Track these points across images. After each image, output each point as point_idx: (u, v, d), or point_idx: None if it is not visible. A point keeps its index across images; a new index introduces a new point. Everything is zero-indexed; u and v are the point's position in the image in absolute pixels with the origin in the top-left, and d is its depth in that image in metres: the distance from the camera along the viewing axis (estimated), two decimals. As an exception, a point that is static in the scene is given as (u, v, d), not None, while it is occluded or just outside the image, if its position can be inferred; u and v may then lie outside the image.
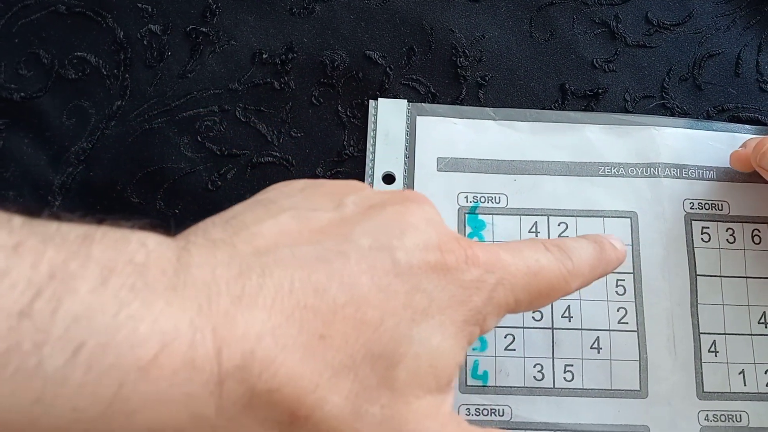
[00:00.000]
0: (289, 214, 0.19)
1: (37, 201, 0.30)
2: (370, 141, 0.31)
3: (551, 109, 0.32)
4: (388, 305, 0.18)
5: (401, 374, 0.18)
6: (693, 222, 0.30)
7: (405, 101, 0.31)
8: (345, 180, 0.23)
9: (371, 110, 0.31)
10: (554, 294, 0.22)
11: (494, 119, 0.31)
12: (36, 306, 0.15)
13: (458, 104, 0.32)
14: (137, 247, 0.17)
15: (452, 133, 0.31)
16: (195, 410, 0.16)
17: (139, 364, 0.15)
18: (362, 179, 0.31)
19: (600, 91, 0.32)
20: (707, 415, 0.27)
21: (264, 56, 0.32)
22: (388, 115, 0.31)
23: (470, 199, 0.30)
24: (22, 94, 0.31)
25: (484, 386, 0.28)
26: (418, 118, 0.31)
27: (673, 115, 0.32)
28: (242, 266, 0.17)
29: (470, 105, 0.32)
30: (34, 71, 0.31)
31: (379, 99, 0.31)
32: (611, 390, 0.28)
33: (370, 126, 0.31)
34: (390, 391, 0.18)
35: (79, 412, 0.15)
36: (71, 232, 0.16)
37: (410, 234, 0.19)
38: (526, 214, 0.30)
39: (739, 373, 0.28)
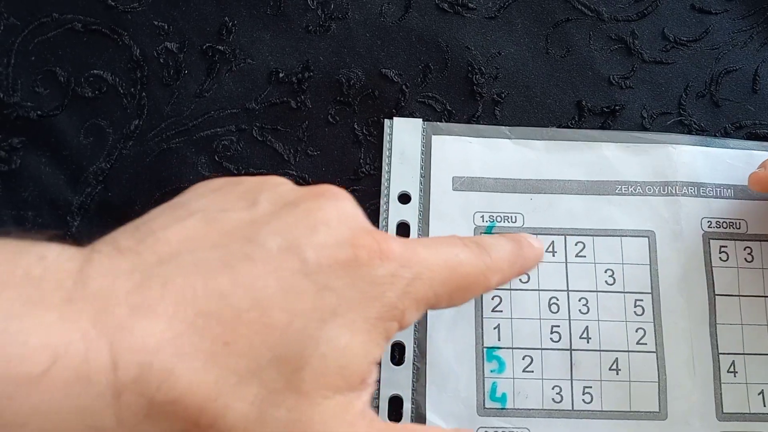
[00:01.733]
0: (197, 217, 0.19)
1: (55, 221, 0.30)
2: (385, 160, 0.31)
3: (568, 125, 0.32)
4: (295, 307, 0.18)
5: (307, 376, 0.18)
6: (711, 241, 0.30)
7: (420, 120, 0.31)
8: (264, 176, 0.22)
9: (386, 129, 0.31)
10: (474, 289, 0.22)
11: (510, 138, 0.31)
12: None
13: (474, 121, 0.32)
14: (35, 260, 0.17)
15: (468, 152, 0.31)
16: (91, 422, 0.16)
17: (29, 377, 0.15)
18: (378, 197, 0.31)
19: (617, 107, 0.32)
20: (727, 436, 0.27)
21: (280, 75, 0.32)
22: (404, 134, 0.31)
23: (486, 218, 0.30)
24: (39, 112, 0.31)
25: (502, 408, 0.28)
26: (433, 137, 0.31)
27: (690, 131, 0.32)
28: (144, 275, 0.17)
29: (486, 122, 0.32)
30: (50, 89, 0.31)
31: (395, 118, 0.31)
32: (630, 412, 0.28)
33: (386, 145, 0.31)
34: (296, 394, 0.18)
35: None
36: None
37: (321, 231, 0.19)
38: (543, 234, 0.30)
39: (759, 394, 0.28)
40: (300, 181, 0.31)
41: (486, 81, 0.32)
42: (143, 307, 0.17)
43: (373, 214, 0.31)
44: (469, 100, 0.32)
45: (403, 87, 0.32)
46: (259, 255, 0.18)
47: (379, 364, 0.21)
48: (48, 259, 0.17)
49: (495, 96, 0.32)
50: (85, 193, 0.30)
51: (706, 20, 0.33)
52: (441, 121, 0.32)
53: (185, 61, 0.32)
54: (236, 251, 0.18)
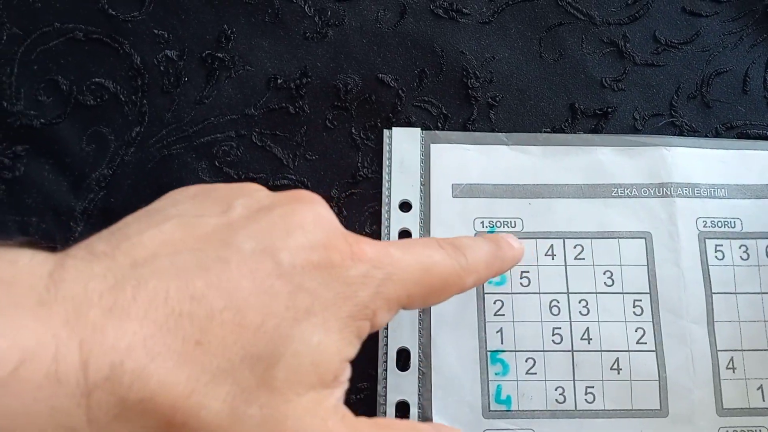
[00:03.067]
0: (174, 222, 0.20)
1: (59, 227, 0.30)
2: (385, 170, 0.31)
3: (561, 128, 0.32)
4: (269, 307, 0.18)
5: (280, 373, 0.18)
6: (707, 240, 0.30)
7: (419, 130, 0.32)
8: (239, 183, 0.23)
9: (385, 139, 0.32)
10: (449, 289, 0.23)
11: (507, 144, 0.32)
12: None
13: (470, 125, 0.32)
14: (6, 264, 0.17)
15: (466, 159, 0.31)
16: (62, 422, 0.16)
17: None
18: (378, 200, 0.31)
19: (609, 110, 0.32)
20: (727, 431, 0.27)
21: (279, 81, 0.32)
22: (402, 143, 0.32)
23: (486, 224, 0.31)
24: (42, 120, 0.31)
25: (507, 411, 0.28)
26: (432, 145, 0.32)
27: (681, 133, 0.32)
28: (118, 278, 0.18)
29: (481, 125, 0.32)
30: (53, 97, 0.31)
31: (393, 128, 0.32)
32: (632, 410, 0.28)
33: (385, 155, 0.32)
34: (269, 391, 0.18)
35: None
36: None
37: (295, 234, 0.20)
38: (542, 237, 0.30)
39: (758, 389, 0.28)
40: (299, 185, 0.31)
41: (481, 85, 0.32)
42: (116, 308, 0.17)
43: (372, 218, 0.31)
44: (464, 104, 0.32)
45: (400, 92, 0.32)
46: (234, 257, 0.19)
47: (352, 362, 0.22)
48: (19, 264, 0.17)
49: (490, 99, 0.32)
50: (87, 199, 0.30)
51: (697, 23, 0.34)
52: (437, 125, 0.32)
53: (185, 68, 0.32)
54: (211, 254, 0.19)
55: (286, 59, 0.32)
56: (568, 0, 0.33)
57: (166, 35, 0.32)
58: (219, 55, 0.32)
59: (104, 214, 0.30)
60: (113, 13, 0.32)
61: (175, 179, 0.31)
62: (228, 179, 0.31)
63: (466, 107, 0.32)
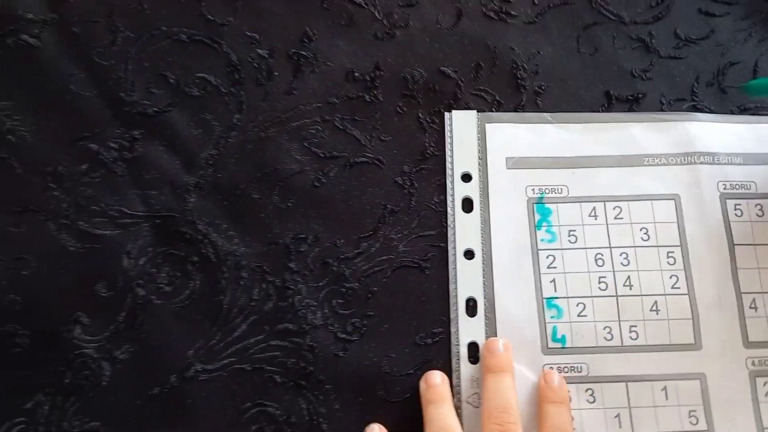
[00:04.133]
0: None
1: (175, 198, 0.35)
2: (448, 147, 0.36)
3: (599, 111, 0.37)
4: None
5: None
6: (727, 200, 0.35)
7: (474, 112, 0.37)
8: None
9: (447, 121, 0.37)
10: None
11: (551, 122, 0.37)
12: None
13: (520, 109, 0.37)
14: None
15: (516, 136, 0.37)
16: None
17: None
18: (443, 174, 0.36)
19: (639, 96, 0.38)
20: (753, 361, 0.32)
21: (356, 74, 0.37)
22: (462, 124, 0.37)
23: (536, 191, 0.36)
24: (155, 108, 0.36)
25: (563, 347, 0.33)
26: (486, 125, 0.37)
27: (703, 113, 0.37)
28: None
29: (530, 110, 0.37)
30: (163, 89, 0.37)
31: (453, 111, 0.37)
32: (670, 345, 0.33)
33: (447, 134, 0.37)
34: None
35: None
36: None
37: None
38: (586, 201, 0.35)
39: (778, 325, 0.33)
40: (375, 161, 0.36)
41: (528, 76, 0.38)
42: None
43: (439, 189, 0.36)
44: (514, 92, 0.38)
45: (459, 82, 0.37)
46: None
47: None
48: None
49: (536, 88, 0.38)
50: (198, 174, 0.35)
51: (712, 22, 0.39)
52: (492, 111, 0.37)
53: (275, 64, 0.37)
54: None
55: (360, 56, 0.38)
56: (601, 3, 0.39)
57: (257, 37, 0.38)
58: (303, 53, 0.38)
59: (213, 187, 0.35)
60: (211, 18, 0.38)
61: (271, 157, 0.36)
62: (315, 157, 0.36)
63: (516, 95, 0.37)
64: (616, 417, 0.32)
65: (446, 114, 0.37)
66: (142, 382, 0.33)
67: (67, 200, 0.35)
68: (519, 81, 0.38)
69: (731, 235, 0.34)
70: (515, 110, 0.37)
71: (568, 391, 0.32)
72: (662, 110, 0.37)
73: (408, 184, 0.36)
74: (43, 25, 0.37)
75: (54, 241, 0.34)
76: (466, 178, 0.36)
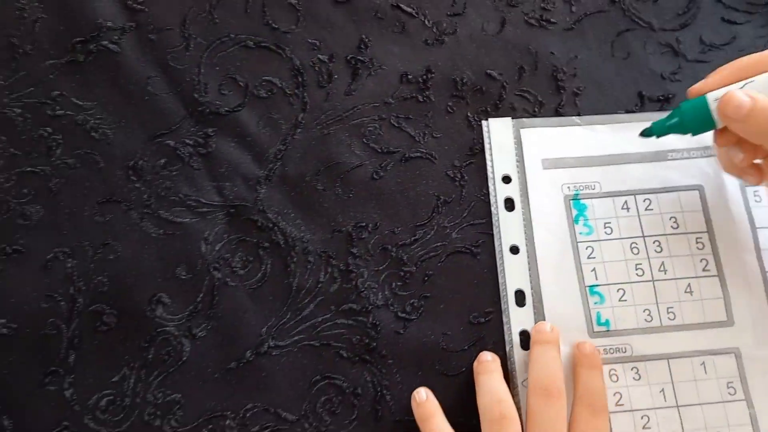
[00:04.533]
0: None
1: (247, 189, 0.38)
2: (488, 152, 0.39)
3: (632, 111, 0.41)
4: None
5: None
6: (746, 188, 0.38)
7: (509, 119, 0.40)
8: None
9: (485, 128, 0.40)
10: None
11: (580, 125, 0.40)
12: None
13: (560, 109, 0.40)
14: None
15: (550, 138, 0.40)
16: None
17: None
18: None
19: (670, 96, 0.41)
20: (781, 336, 0.35)
21: (409, 77, 0.41)
22: (499, 131, 0.40)
23: (571, 188, 0.39)
24: (226, 108, 0.39)
25: (608, 330, 0.36)
26: (521, 130, 0.40)
27: (728, 113, 0.40)
28: None
29: (569, 110, 0.40)
30: (233, 91, 0.40)
31: (489, 119, 0.40)
32: (705, 323, 0.36)
33: (486, 140, 0.40)
34: None
35: None
36: None
37: None
38: (618, 195, 0.39)
39: (801, 301, 0.36)
40: (428, 156, 0.39)
41: (567, 78, 0.41)
42: None
43: (485, 182, 0.39)
44: (555, 93, 0.41)
45: (504, 84, 0.41)
46: None
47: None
48: None
49: (575, 89, 0.41)
50: (267, 168, 0.39)
51: (734, 29, 0.42)
52: (534, 110, 0.40)
53: (334, 68, 0.41)
54: None
55: (412, 60, 0.41)
56: (632, 11, 0.42)
57: (318, 43, 0.41)
58: (360, 57, 0.41)
59: (281, 179, 0.38)
60: (276, 26, 0.41)
61: (333, 152, 0.39)
62: (373, 152, 0.39)
63: (556, 95, 0.41)
64: (660, 392, 0.35)
65: (483, 122, 0.40)
66: (220, 357, 0.36)
67: (148, 191, 0.38)
68: (559, 83, 0.41)
69: (753, 219, 0.37)
70: (555, 110, 0.40)
71: (602, 360, 0.35)
72: (690, 110, 0.41)
73: (458, 177, 0.39)
74: (122, 32, 0.40)
75: (137, 228, 0.37)
76: (506, 179, 0.39)
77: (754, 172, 0.34)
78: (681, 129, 0.35)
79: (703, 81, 0.34)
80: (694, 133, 0.35)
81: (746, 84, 0.33)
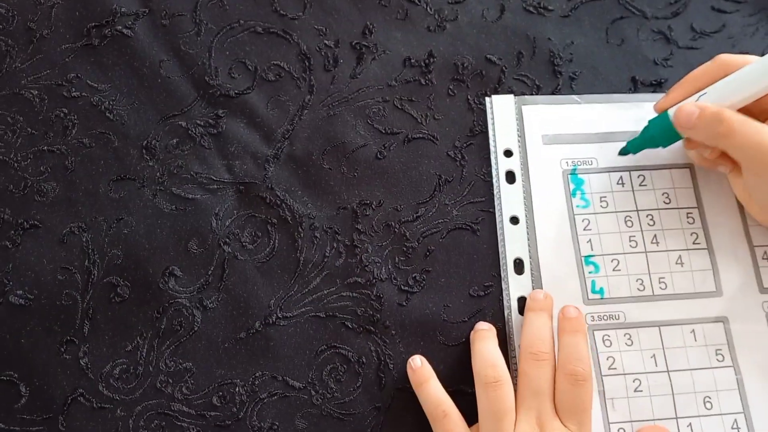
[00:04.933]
0: None
1: (256, 167, 0.40)
2: (490, 127, 0.41)
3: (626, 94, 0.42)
4: None
5: None
6: None
7: (512, 96, 0.42)
8: None
9: (488, 104, 0.42)
10: None
11: (579, 103, 0.42)
12: None
13: (557, 92, 0.42)
14: None
15: (550, 115, 0.41)
16: None
17: None
18: (488, 149, 0.41)
19: (662, 81, 0.42)
20: (769, 303, 0.37)
21: (412, 61, 0.42)
22: (501, 107, 0.42)
23: (570, 163, 0.40)
24: (236, 90, 0.41)
25: (602, 298, 0.37)
26: (523, 107, 0.42)
27: (718, 97, 0.42)
28: None
29: (566, 93, 0.42)
30: (242, 75, 0.41)
31: (493, 96, 0.42)
32: (695, 293, 0.37)
33: (489, 116, 0.41)
34: None
35: None
36: None
37: None
38: (614, 171, 0.40)
39: (788, 272, 0.38)
40: (430, 137, 0.41)
41: (564, 63, 0.43)
42: None
43: (485, 162, 0.41)
44: (552, 77, 0.42)
45: (503, 68, 0.42)
46: None
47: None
48: None
49: (571, 74, 0.42)
50: (275, 147, 0.40)
51: (723, 17, 0.44)
52: (532, 94, 0.42)
53: (340, 53, 0.42)
54: None
55: (415, 45, 0.43)
56: (626, 0, 0.44)
57: (324, 29, 0.43)
58: (365, 43, 0.43)
59: (289, 158, 0.40)
60: (283, 13, 0.43)
61: (339, 133, 0.41)
62: (377, 133, 0.41)
63: (553, 80, 0.42)
64: (651, 357, 0.36)
65: (486, 99, 0.42)
66: (230, 327, 0.37)
67: (161, 169, 0.40)
68: (556, 68, 0.43)
69: (740, 198, 0.39)
70: (552, 94, 0.42)
71: (596, 326, 0.37)
72: (682, 94, 0.42)
73: (459, 157, 0.41)
74: (136, 17, 0.42)
75: (150, 204, 0.39)
76: (508, 153, 0.41)
77: (724, 162, 0.37)
78: (653, 143, 0.38)
79: (664, 97, 0.38)
80: (665, 146, 0.38)
81: (700, 96, 0.36)
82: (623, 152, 0.39)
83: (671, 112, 0.37)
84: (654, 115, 0.39)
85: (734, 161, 0.36)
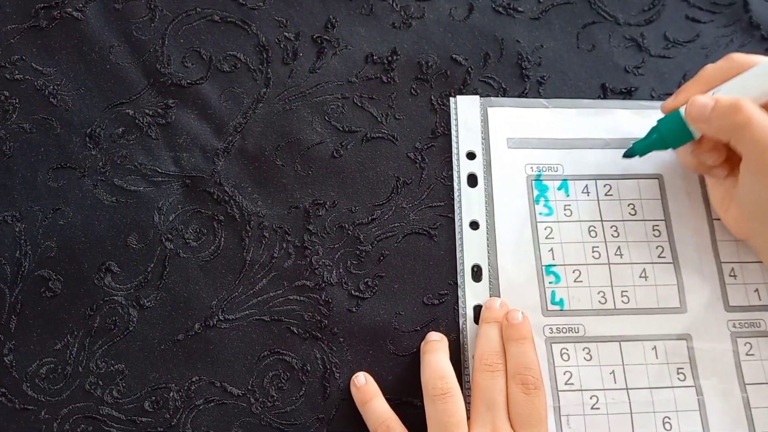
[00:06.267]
0: None
1: (204, 161, 0.38)
2: (453, 128, 0.40)
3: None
4: None
5: None
6: (706, 179, 0.38)
7: (477, 97, 0.40)
8: None
9: (452, 105, 0.40)
10: None
11: (547, 107, 0.40)
12: None
13: (523, 97, 0.41)
14: None
15: (516, 119, 0.40)
16: None
17: None
18: (451, 152, 0.39)
19: (632, 89, 0.41)
20: (734, 323, 0.35)
21: (374, 57, 0.41)
22: (466, 108, 0.40)
23: (534, 168, 0.39)
24: (188, 80, 0.39)
25: (561, 310, 0.36)
26: (488, 108, 0.40)
27: (689, 107, 0.41)
28: None
29: (532, 97, 0.41)
30: (196, 64, 0.40)
31: (458, 96, 0.40)
32: (658, 308, 0.36)
33: (453, 116, 0.40)
34: None
35: None
36: None
37: None
38: (579, 179, 0.39)
39: (754, 291, 0.36)
40: (390, 137, 0.39)
41: (532, 66, 0.41)
42: None
43: (447, 164, 0.39)
44: (519, 80, 0.41)
45: (469, 69, 0.41)
46: None
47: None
48: None
49: (539, 78, 0.41)
50: (226, 141, 0.38)
51: (697, 27, 0.43)
52: (497, 96, 0.41)
53: (300, 46, 0.41)
54: None
55: (379, 42, 0.41)
56: (599, 4, 0.43)
57: (284, 21, 0.41)
58: (326, 37, 0.41)
59: (240, 153, 0.38)
60: (243, 2, 0.41)
61: (294, 129, 0.39)
62: (335, 131, 0.39)
63: (520, 83, 0.41)
64: (611, 373, 0.34)
65: (451, 99, 0.40)
66: (168, 328, 0.35)
67: (103, 159, 0.37)
68: (523, 71, 0.41)
69: (710, 211, 0.38)
70: (519, 97, 0.41)
71: (554, 339, 0.35)
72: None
73: (419, 159, 0.39)
74: (87, 0, 0.40)
75: (90, 195, 0.37)
76: (471, 156, 0.39)
77: (723, 167, 0.35)
78: (661, 145, 0.36)
79: (672, 97, 0.36)
80: (675, 147, 0.36)
81: (714, 93, 0.34)
82: (628, 154, 0.37)
83: (683, 110, 0.34)
84: (661, 115, 0.37)
85: (731, 167, 0.35)
